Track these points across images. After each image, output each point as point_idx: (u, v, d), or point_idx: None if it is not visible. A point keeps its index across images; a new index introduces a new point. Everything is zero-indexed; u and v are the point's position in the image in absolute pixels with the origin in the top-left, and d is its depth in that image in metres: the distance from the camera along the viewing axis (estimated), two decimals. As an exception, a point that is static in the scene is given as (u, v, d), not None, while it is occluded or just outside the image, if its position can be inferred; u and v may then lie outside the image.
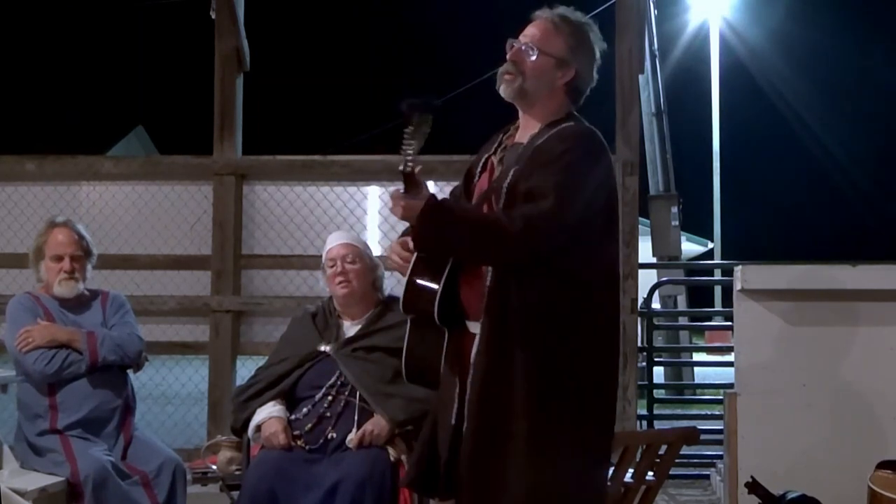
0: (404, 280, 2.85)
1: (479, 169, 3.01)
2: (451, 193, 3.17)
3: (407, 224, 2.83)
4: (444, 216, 2.73)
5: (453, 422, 2.85)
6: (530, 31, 2.92)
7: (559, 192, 2.69)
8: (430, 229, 2.71)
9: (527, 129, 2.92)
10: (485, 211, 2.86)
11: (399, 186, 2.74)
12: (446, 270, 2.81)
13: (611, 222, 2.89)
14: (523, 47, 2.89)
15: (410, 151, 2.68)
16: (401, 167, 2.70)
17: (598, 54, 2.95)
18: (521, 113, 2.96)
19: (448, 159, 5.21)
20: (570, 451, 2.74)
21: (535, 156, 2.79)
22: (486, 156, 3.00)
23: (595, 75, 2.97)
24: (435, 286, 2.80)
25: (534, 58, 2.87)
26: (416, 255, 2.83)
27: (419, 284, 2.83)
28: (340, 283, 3.81)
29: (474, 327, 2.83)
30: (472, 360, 2.81)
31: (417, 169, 2.73)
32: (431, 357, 2.89)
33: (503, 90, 2.89)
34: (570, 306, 2.76)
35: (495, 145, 3.00)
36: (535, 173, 2.75)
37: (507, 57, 2.91)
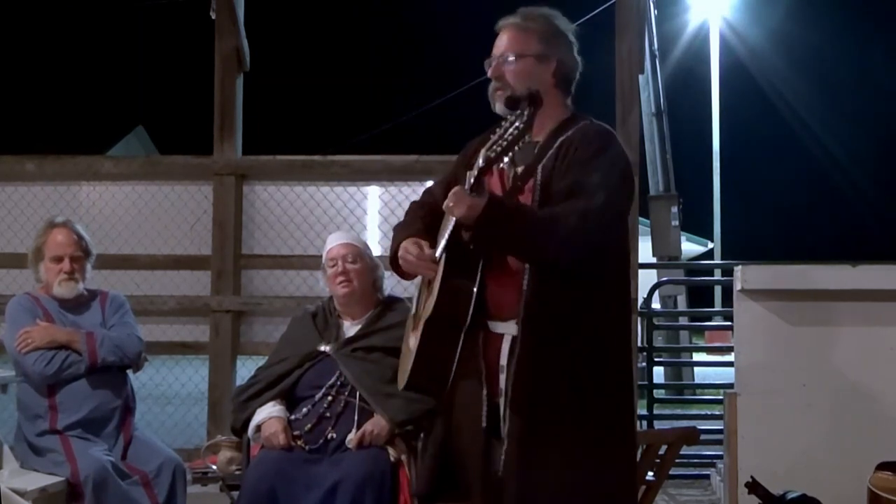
0: (435, 285, 2.74)
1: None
2: (427, 192, 3.13)
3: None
4: (506, 214, 2.68)
5: (484, 424, 2.83)
6: (501, 43, 2.92)
7: (607, 188, 2.71)
8: (491, 227, 2.65)
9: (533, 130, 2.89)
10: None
11: (459, 182, 2.67)
12: (479, 271, 2.76)
13: (627, 222, 2.93)
14: (500, 60, 2.89)
15: (516, 148, 2.58)
16: (480, 162, 2.60)
17: (572, 38, 2.95)
18: None
19: (447, 160, 5.19)
20: (614, 449, 2.78)
21: (566, 153, 2.79)
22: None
23: (577, 58, 2.96)
24: (467, 287, 2.74)
25: (514, 65, 2.88)
26: (444, 259, 2.75)
27: (451, 289, 2.73)
28: (341, 282, 3.80)
29: (500, 327, 2.82)
30: (503, 360, 2.79)
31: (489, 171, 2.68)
32: (441, 364, 2.77)
33: (499, 108, 2.88)
34: (606, 304, 2.79)
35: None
36: (573, 170, 2.74)
37: (489, 75, 2.91)
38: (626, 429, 2.88)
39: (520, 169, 2.85)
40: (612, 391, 2.80)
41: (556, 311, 2.73)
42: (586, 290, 2.75)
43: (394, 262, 2.95)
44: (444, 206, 2.69)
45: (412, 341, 2.85)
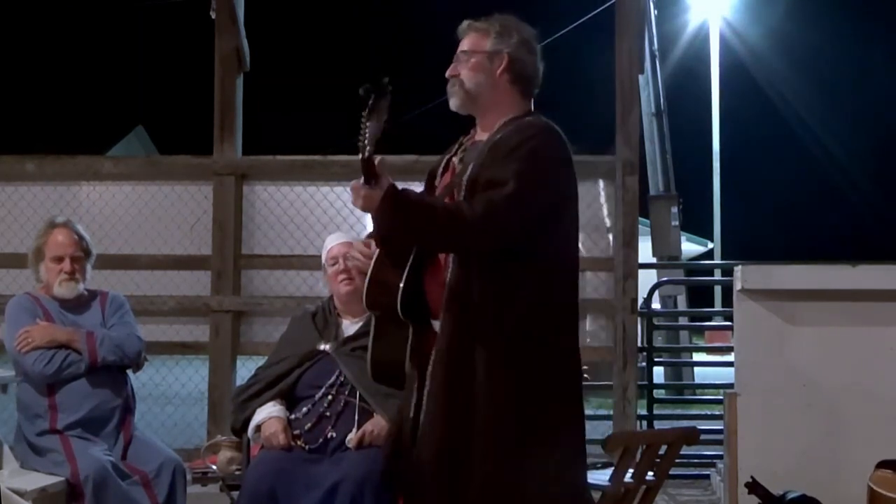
0: (367, 277, 2.91)
1: (440, 170, 3.07)
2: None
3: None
4: (404, 205, 2.75)
5: (411, 414, 2.89)
6: (460, 47, 2.99)
7: (519, 178, 2.75)
8: (390, 218, 2.74)
9: (485, 129, 2.97)
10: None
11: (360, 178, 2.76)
12: (408, 264, 2.85)
13: (568, 211, 2.92)
14: (456, 59, 2.96)
15: (367, 137, 2.69)
16: (360, 155, 2.71)
17: (529, 39, 2.98)
18: (477, 119, 3.02)
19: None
20: (540, 445, 2.76)
21: (494, 149, 2.85)
22: (448, 157, 3.07)
23: (536, 60, 2.99)
24: (397, 280, 2.84)
25: (468, 61, 2.94)
26: (377, 251, 2.89)
27: (381, 279, 2.87)
28: (343, 280, 3.81)
29: (437, 324, 2.86)
30: (433, 353, 2.83)
31: (377, 160, 2.74)
32: (397, 355, 2.92)
33: (453, 104, 2.97)
34: (531, 296, 2.80)
35: (456, 146, 3.07)
36: (495, 164, 2.80)
37: (447, 75, 2.98)
38: (564, 421, 2.85)
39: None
40: (543, 385, 2.79)
41: (470, 304, 2.77)
42: (508, 282, 2.77)
43: None
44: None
45: None
